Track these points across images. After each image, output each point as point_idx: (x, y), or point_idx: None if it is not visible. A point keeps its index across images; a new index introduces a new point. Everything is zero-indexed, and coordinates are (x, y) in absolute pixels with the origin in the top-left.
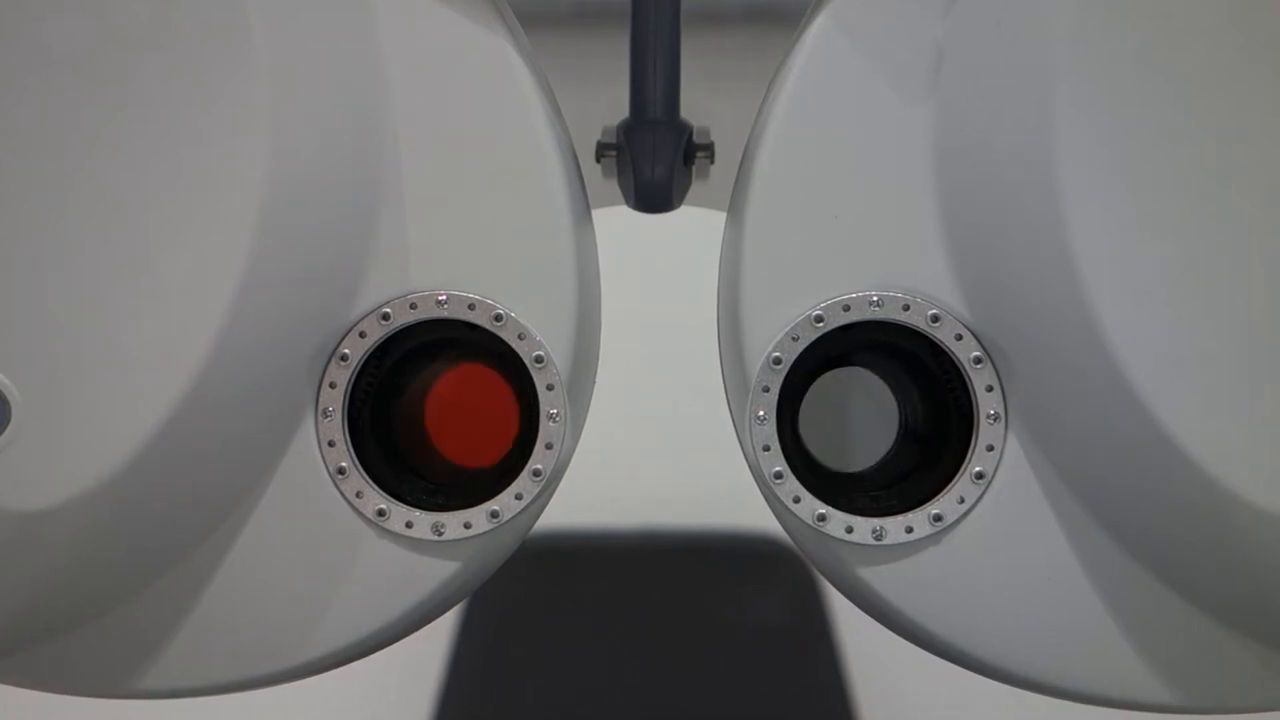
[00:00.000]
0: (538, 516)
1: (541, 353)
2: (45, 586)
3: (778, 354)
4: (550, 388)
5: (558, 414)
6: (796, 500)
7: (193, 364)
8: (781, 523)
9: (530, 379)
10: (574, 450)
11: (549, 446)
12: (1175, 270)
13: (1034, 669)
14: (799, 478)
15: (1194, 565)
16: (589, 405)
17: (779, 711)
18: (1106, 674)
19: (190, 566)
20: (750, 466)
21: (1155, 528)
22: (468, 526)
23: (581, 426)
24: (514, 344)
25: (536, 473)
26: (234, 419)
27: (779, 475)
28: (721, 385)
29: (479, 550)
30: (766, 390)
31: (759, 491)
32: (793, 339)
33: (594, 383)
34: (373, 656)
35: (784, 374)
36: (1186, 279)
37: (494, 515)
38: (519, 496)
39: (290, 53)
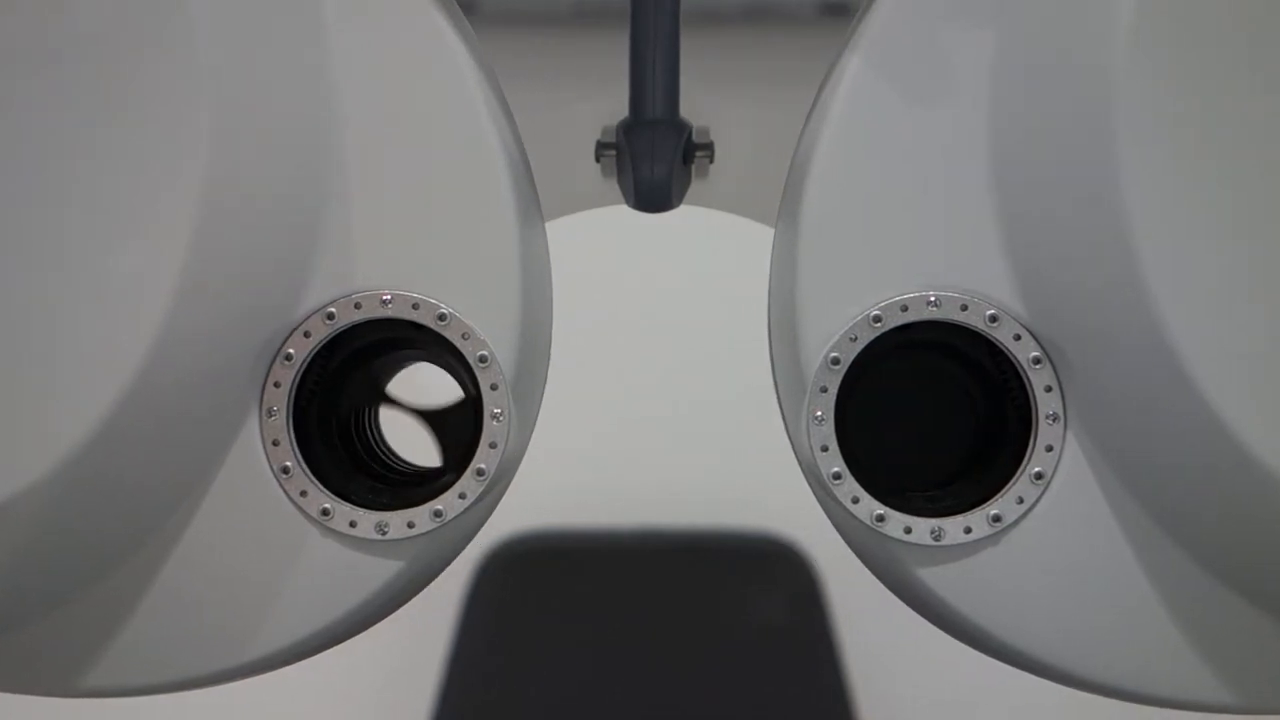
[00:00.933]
0: (486, 516)
1: (485, 352)
2: None
3: (836, 354)
4: (494, 387)
5: (501, 413)
6: (855, 500)
7: (134, 362)
8: (836, 523)
9: (475, 379)
10: (523, 450)
11: (493, 445)
12: (1241, 270)
13: (1093, 670)
14: (855, 478)
15: (1256, 566)
16: (539, 405)
17: (779, 711)
18: (1167, 675)
19: (134, 566)
20: (805, 467)
21: (1217, 529)
22: (411, 526)
23: (531, 426)
24: (458, 343)
25: (480, 472)
26: (176, 418)
27: (837, 476)
28: (720, 384)
29: (423, 550)
30: (824, 390)
31: (812, 492)
32: (851, 339)
33: (545, 382)
34: (372, 655)
35: (842, 374)
36: (1253, 279)
37: (437, 514)
38: (463, 495)
39: (233, 51)
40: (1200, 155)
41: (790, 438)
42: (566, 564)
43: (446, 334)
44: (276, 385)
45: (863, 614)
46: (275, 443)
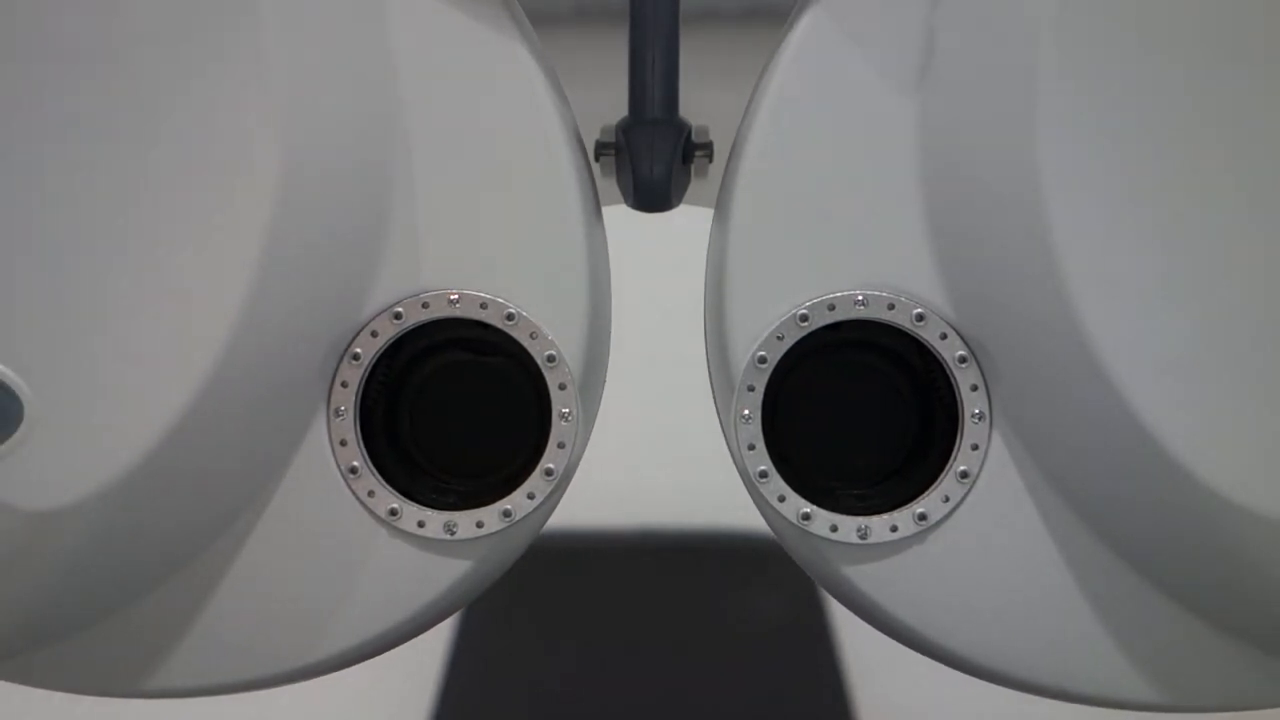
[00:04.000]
0: (549, 515)
1: (553, 352)
2: (57, 586)
3: (763, 353)
4: (562, 387)
5: (570, 413)
6: (781, 499)
7: (205, 363)
8: (766, 520)
9: (542, 378)
10: (585, 449)
11: (561, 445)
12: (1158, 270)
13: (1018, 667)
14: (784, 476)
15: (1177, 563)
16: (599, 404)
17: (777, 711)
18: (1091, 672)
19: (202, 566)
20: (736, 465)
21: (1138, 526)
22: (480, 525)
23: (592, 425)
24: (526, 343)
25: (549, 471)
26: (246, 418)
27: (764, 474)
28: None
29: (491, 549)
30: (751, 389)
31: (745, 489)
32: (778, 338)
33: (604, 382)
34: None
35: (769, 373)
36: (1169, 279)
37: (506, 514)
38: (531, 495)
39: (302, 52)
40: (1120, 158)
41: (724, 435)
42: (566, 564)
43: (514, 334)
44: (344, 385)
45: None
46: (343, 442)
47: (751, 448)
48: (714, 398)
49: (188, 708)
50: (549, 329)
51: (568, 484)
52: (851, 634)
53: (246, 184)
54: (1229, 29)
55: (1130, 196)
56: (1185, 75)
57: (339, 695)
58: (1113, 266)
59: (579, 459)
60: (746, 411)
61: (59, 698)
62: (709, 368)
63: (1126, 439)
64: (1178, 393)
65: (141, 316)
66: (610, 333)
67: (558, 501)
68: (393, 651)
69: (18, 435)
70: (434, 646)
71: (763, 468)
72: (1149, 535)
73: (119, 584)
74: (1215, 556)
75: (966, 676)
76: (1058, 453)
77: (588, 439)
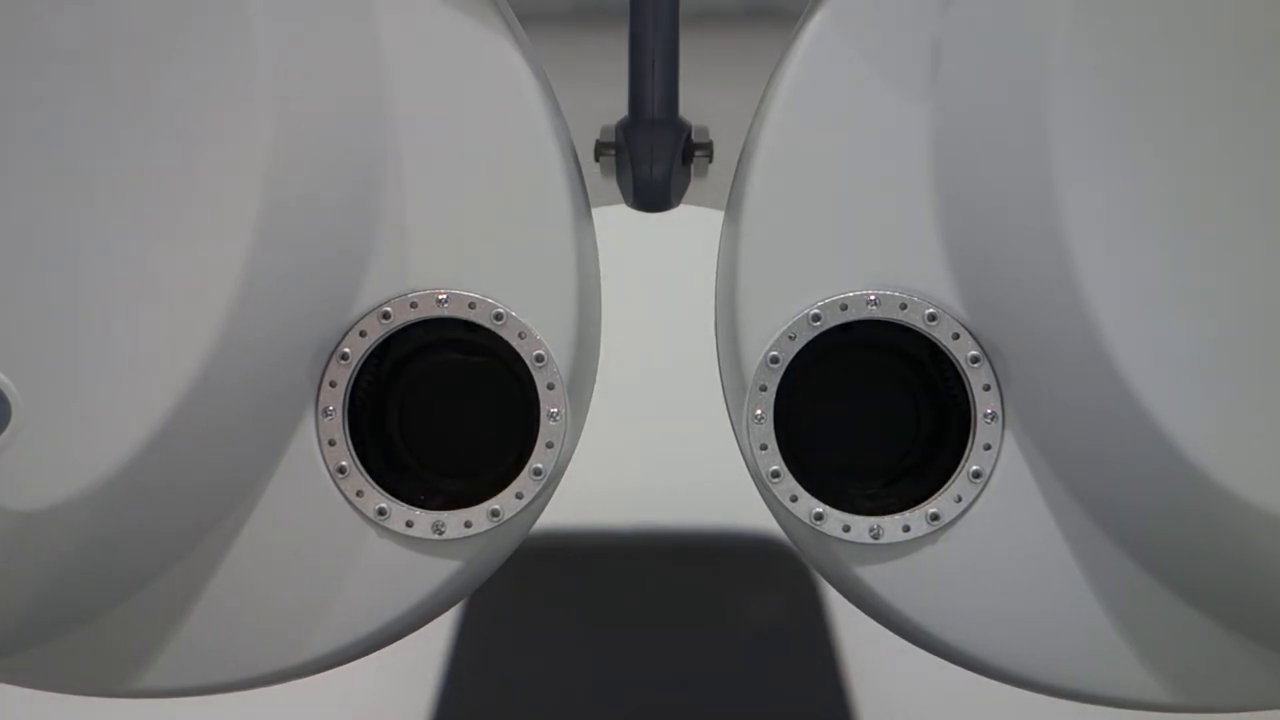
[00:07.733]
0: (538, 515)
1: (542, 352)
2: (45, 586)
3: (775, 353)
4: (551, 386)
5: (558, 413)
6: (794, 499)
7: (193, 363)
8: (778, 521)
9: (531, 378)
10: (574, 449)
11: (549, 445)
12: (1172, 270)
13: (1031, 668)
14: (796, 476)
15: (1190, 564)
16: (589, 404)
17: (776, 711)
18: (1104, 673)
19: (190, 566)
20: (748, 465)
21: (1152, 526)
22: (468, 525)
23: (582, 425)
24: (514, 343)
25: (537, 471)
26: (234, 418)
27: (776, 474)
28: (719, 384)
29: (479, 549)
30: (764, 389)
31: (757, 490)
32: (790, 338)
33: (594, 381)
34: (373, 655)
35: (781, 373)
36: (1184, 279)
37: (494, 514)
38: (519, 495)
39: (291, 51)
40: (1135, 160)
41: (735, 436)
42: (566, 564)
43: (503, 333)
44: (332, 385)
45: (862, 615)
46: (331, 442)
47: (764, 448)
48: (725, 398)
49: (185, 709)
50: (537, 329)
51: (556, 484)
52: (851, 634)
53: (234, 184)
54: (1245, 30)
55: (1145, 198)
56: (1201, 75)
57: (339, 696)
58: (1127, 268)
59: (568, 459)
60: (759, 411)
61: (50, 698)
62: (720, 368)
63: (1141, 440)
64: (1193, 394)
65: (129, 317)
66: (600, 333)
67: (546, 502)
68: (393, 651)
69: (5, 436)
70: (434, 647)
71: (775, 468)
72: (1163, 536)
73: (107, 584)
74: (1229, 557)
75: (965, 676)
76: (1071, 453)
77: (577, 439)
